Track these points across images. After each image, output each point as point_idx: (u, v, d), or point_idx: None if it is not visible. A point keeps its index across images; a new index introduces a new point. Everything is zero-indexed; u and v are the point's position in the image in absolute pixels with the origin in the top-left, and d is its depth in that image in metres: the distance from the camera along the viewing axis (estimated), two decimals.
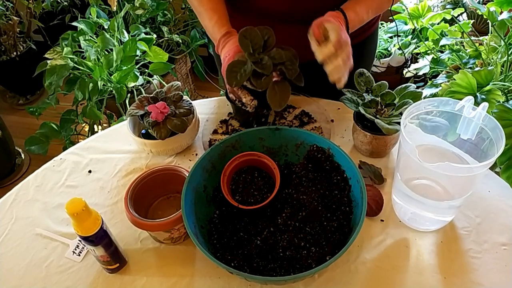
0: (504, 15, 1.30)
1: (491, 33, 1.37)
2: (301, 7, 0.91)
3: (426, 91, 1.33)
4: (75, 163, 0.98)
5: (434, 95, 1.30)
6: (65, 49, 1.44)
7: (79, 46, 1.51)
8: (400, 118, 0.74)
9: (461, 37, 1.54)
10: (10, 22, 2.16)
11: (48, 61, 1.46)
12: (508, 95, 1.21)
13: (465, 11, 1.87)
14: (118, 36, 1.58)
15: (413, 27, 1.69)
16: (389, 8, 0.93)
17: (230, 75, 0.79)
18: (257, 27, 0.80)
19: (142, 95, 0.96)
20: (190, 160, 0.96)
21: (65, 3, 2.31)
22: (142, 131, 0.96)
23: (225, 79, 0.80)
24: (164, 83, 1.73)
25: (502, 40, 1.29)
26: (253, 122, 0.95)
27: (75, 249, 0.81)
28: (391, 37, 2.08)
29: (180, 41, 2.02)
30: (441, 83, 1.32)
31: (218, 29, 0.88)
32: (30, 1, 2.12)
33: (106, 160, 0.98)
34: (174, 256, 0.79)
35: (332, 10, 0.87)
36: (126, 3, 1.83)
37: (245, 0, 0.93)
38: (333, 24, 0.78)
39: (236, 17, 0.97)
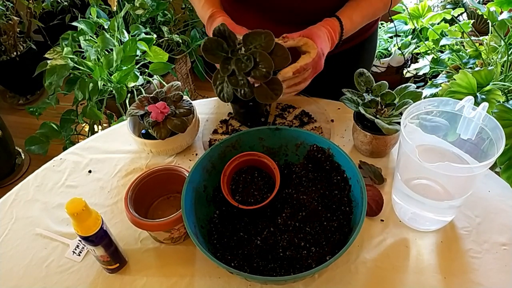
0: (504, 15, 1.30)
1: (491, 33, 1.37)
2: (302, 4, 0.90)
3: (426, 91, 1.33)
4: (75, 163, 0.98)
5: (434, 95, 1.30)
6: (65, 49, 1.44)
7: (79, 46, 1.51)
8: (400, 118, 0.74)
9: (461, 37, 1.54)
10: (10, 22, 2.16)
11: (48, 61, 1.46)
12: (508, 95, 1.21)
13: (465, 11, 1.87)
14: (118, 36, 1.58)
15: (413, 27, 1.69)
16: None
17: (219, 92, 0.77)
18: (212, 31, 0.76)
19: (142, 95, 0.96)
20: (190, 160, 0.96)
21: (65, 3, 2.31)
22: (142, 131, 0.96)
23: (215, 93, 0.78)
24: (164, 83, 1.73)
25: (502, 40, 1.29)
26: (253, 119, 0.95)
27: (75, 249, 0.81)
28: (391, 37, 2.08)
29: (180, 41, 2.02)
30: (441, 83, 1.32)
31: (205, 11, 0.88)
32: (30, 1, 2.12)
33: (106, 160, 0.98)
34: (174, 256, 0.79)
35: (329, 14, 0.88)
36: (126, 3, 1.83)
37: None
38: (314, 48, 0.78)
39: (238, 16, 0.97)
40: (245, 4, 0.96)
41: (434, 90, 1.31)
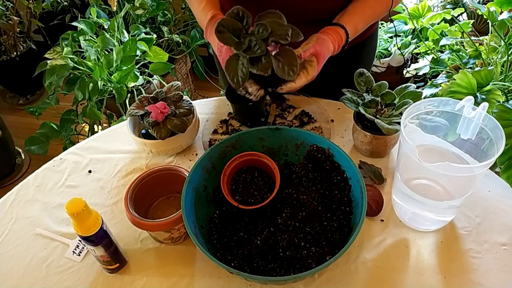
0: (504, 15, 1.30)
1: (491, 33, 1.37)
2: (302, 4, 0.90)
3: (426, 91, 1.33)
4: (75, 163, 0.98)
5: (434, 95, 1.30)
6: (65, 49, 1.44)
7: (79, 46, 1.51)
8: (400, 118, 0.74)
9: (461, 37, 1.54)
10: (10, 22, 2.16)
11: (48, 61, 1.46)
12: (508, 95, 1.21)
13: (465, 11, 1.87)
14: (118, 36, 1.58)
15: (413, 27, 1.69)
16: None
17: (232, 77, 0.73)
18: (226, 14, 0.74)
19: (142, 95, 0.96)
20: (190, 160, 0.96)
21: (65, 3, 2.31)
22: (142, 131, 0.96)
23: (229, 80, 0.74)
24: (164, 83, 1.73)
25: (502, 40, 1.29)
26: (253, 119, 0.95)
27: (75, 249, 0.81)
28: (391, 37, 2.08)
29: (180, 41, 2.03)
30: (441, 83, 1.32)
31: (205, 14, 0.87)
32: (30, 1, 2.12)
33: (106, 160, 0.98)
34: (174, 256, 0.79)
35: (330, 14, 0.87)
36: (126, 3, 1.83)
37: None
38: (314, 69, 0.80)
39: None
40: (245, 4, 0.96)
41: (434, 90, 1.31)
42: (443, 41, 1.49)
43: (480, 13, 1.47)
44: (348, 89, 0.91)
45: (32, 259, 0.81)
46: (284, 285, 0.73)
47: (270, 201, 0.75)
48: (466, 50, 1.47)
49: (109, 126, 1.22)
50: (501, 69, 1.29)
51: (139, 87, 1.66)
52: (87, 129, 1.72)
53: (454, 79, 1.06)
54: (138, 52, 1.55)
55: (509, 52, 1.25)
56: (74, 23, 1.53)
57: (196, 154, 0.97)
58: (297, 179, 0.78)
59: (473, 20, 1.86)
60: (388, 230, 0.79)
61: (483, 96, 1.04)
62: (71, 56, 1.45)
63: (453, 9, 1.62)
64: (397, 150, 0.78)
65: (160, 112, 0.89)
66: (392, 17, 1.74)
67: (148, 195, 0.83)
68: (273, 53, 0.73)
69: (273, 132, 0.82)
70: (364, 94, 0.90)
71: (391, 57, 2.06)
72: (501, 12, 1.34)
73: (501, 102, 1.02)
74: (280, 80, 0.77)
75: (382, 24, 2.05)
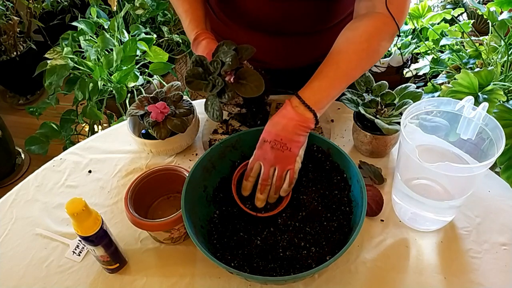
0: (504, 15, 1.30)
1: (491, 33, 1.37)
2: (291, 14, 0.90)
3: (425, 96, 1.33)
4: (75, 163, 0.98)
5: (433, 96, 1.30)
6: (65, 49, 1.44)
7: (79, 46, 1.51)
8: (400, 118, 0.74)
9: (461, 37, 1.54)
10: (10, 22, 2.16)
11: (48, 61, 1.46)
12: (509, 95, 1.21)
13: (465, 11, 1.87)
14: (118, 36, 1.58)
15: (413, 27, 1.69)
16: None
17: (211, 115, 0.78)
18: (190, 62, 0.79)
19: (142, 95, 0.96)
20: (190, 160, 0.96)
21: (65, 3, 2.31)
22: (142, 131, 0.96)
23: (211, 119, 0.80)
24: (164, 83, 1.73)
25: (502, 40, 1.29)
26: (253, 119, 0.95)
27: (75, 249, 0.81)
28: None
29: (180, 41, 2.03)
30: (441, 83, 1.32)
31: (191, 29, 0.87)
32: (30, 1, 2.13)
33: (106, 160, 0.98)
34: (174, 256, 0.79)
35: (315, 25, 0.87)
36: (126, 3, 1.83)
37: (237, 8, 0.93)
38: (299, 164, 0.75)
39: (231, 26, 0.97)
40: (232, 18, 0.96)
41: (433, 95, 1.30)
42: (443, 41, 1.49)
43: (480, 13, 1.47)
44: (348, 89, 0.91)
45: (32, 259, 0.81)
46: (284, 285, 0.73)
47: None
48: (466, 50, 1.47)
49: (109, 126, 1.22)
50: (501, 69, 1.29)
51: (139, 87, 1.66)
52: (87, 129, 1.72)
53: (455, 79, 1.06)
54: (138, 52, 1.55)
55: (509, 52, 1.25)
56: (74, 23, 1.53)
57: (196, 154, 0.97)
58: (297, 179, 0.78)
59: (473, 20, 1.86)
60: (388, 230, 0.79)
61: (485, 96, 1.04)
62: (71, 56, 1.45)
63: (453, 9, 1.62)
64: (397, 150, 0.78)
65: (160, 112, 0.89)
66: None
67: (148, 195, 0.83)
68: (232, 79, 0.76)
69: None
70: (364, 94, 0.90)
71: (391, 57, 2.06)
72: (501, 12, 1.34)
73: (501, 102, 1.02)
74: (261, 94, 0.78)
75: None
